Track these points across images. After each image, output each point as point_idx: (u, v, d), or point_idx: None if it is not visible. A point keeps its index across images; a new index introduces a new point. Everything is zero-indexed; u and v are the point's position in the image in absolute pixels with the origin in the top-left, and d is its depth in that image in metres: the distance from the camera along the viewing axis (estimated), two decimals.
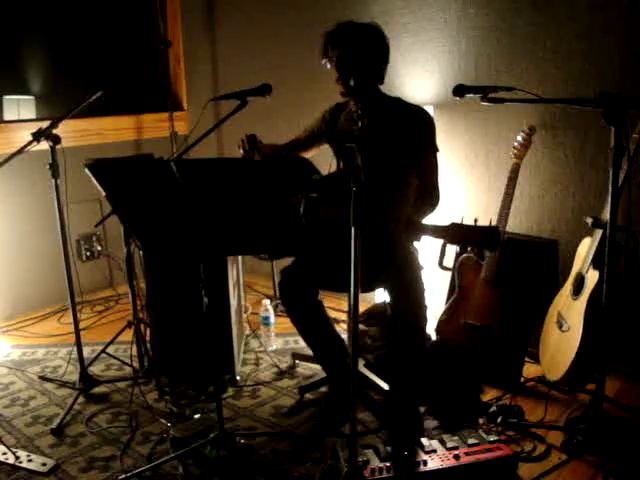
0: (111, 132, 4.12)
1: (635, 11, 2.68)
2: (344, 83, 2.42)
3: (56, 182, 2.65)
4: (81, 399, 2.78)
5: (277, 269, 3.74)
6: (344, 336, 3.26)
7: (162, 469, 2.26)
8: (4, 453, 2.36)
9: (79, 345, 2.84)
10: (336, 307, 3.75)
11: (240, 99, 2.51)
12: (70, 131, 3.47)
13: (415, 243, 2.54)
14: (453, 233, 1.79)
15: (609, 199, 2.12)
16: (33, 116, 3.98)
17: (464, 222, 1.83)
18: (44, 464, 2.30)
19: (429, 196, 2.48)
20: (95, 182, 2.00)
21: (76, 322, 2.83)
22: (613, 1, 2.74)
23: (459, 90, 2.38)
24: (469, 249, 2.76)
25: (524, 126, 2.85)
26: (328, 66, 2.43)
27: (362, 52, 2.39)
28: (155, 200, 1.99)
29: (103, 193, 2.02)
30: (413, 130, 2.47)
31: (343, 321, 3.52)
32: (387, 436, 2.42)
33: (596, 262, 2.51)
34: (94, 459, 2.35)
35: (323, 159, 2.65)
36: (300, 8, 3.81)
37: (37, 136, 2.55)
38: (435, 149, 2.51)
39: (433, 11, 3.26)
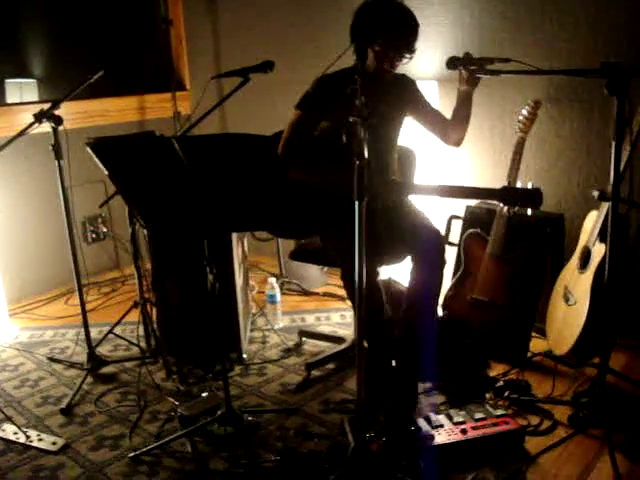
0: (114, 113, 4.10)
1: None
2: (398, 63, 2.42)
3: (59, 164, 2.64)
4: (89, 379, 2.80)
5: (283, 248, 3.76)
6: (351, 313, 3.29)
7: (170, 447, 2.28)
8: (15, 433, 2.39)
9: (86, 326, 2.85)
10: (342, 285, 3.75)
11: (242, 76, 2.51)
12: (73, 112, 3.47)
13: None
14: (504, 194, 1.86)
15: (612, 171, 2.10)
16: (36, 99, 3.97)
17: None
18: (54, 443, 2.33)
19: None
20: (97, 161, 1.99)
21: (83, 304, 2.84)
22: None
23: (452, 63, 2.36)
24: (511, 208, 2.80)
25: (529, 99, 2.82)
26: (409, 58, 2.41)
27: None
28: (157, 178, 1.98)
29: (106, 172, 2.02)
30: (405, 89, 2.62)
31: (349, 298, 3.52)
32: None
33: (602, 235, 2.49)
34: (103, 438, 2.37)
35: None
36: None
37: (39, 117, 2.54)
38: None
39: None
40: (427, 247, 2.45)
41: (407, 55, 2.37)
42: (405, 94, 2.62)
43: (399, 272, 3.15)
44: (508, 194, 1.87)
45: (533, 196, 1.82)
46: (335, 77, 2.47)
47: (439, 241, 2.50)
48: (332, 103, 2.48)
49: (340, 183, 2.14)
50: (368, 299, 2.41)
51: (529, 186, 2.02)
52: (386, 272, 3.27)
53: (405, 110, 2.63)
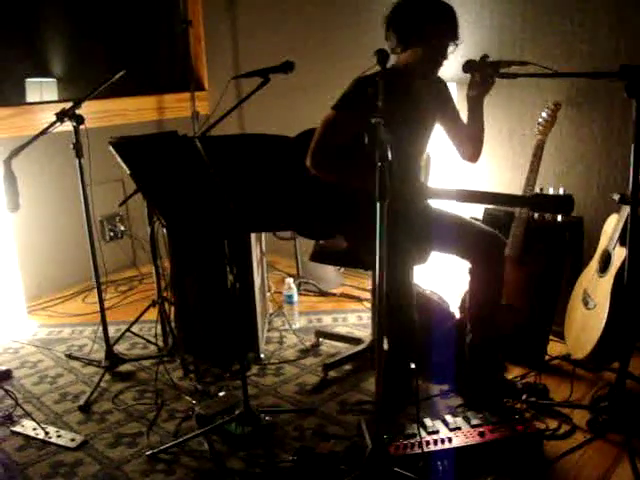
0: (133, 112, 4.13)
1: None
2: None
3: (80, 162, 2.66)
4: (107, 377, 2.81)
5: (300, 248, 3.76)
6: (368, 314, 3.28)
7: (188, 445, 2.29)
8: (34, 429, 2.41)
9: (104, 324, 2.86)
10: (358, 286, 3.76)
11: (262, 77, 2.51)
12: (93, 112, 3.47)
13: None
14: (536, 201, 1.86)
15: (631, 174, 2.08)
16: (55, 98, 4.00)
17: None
18: (73, 439, 2.35)
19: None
20: (120, 160, 2.01)
21: (101, 301, 2.85)
22: None
23: (468, 66, 2.34)
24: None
25: (549, 102, 2.80)
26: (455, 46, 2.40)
27: None
28: (179, 177, 1.99)
29: (128, 171, 2.03)
30: (440, 92, 2.61)
31: (367, 299, 3.52)
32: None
33: (623, 239, 2.47)
34: (121, 435, 2.39)
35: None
36: None
37: (61, 116, 2.56)
38: None
39: None
40: (490, 251, 2.46)
41: (456, 44, 2.36)
42: (440, 97, 2.60)
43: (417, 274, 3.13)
44: (540, 202, 1.86)
45: (565, 203, 1.80)
46: (373, 78, 2.40)
47: (502, 246, 2.52)
48: (369, 104, 2.44)
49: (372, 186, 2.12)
50: (402, 299, 2.44)
51: (561, 192, 2.02)
52: None
53: (438, 114, 2.59)
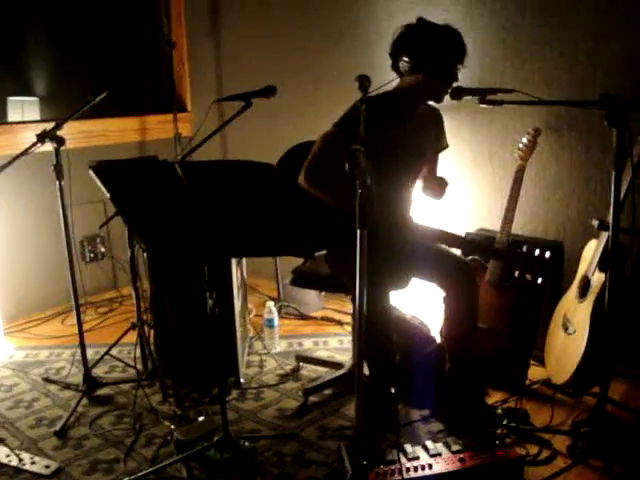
0: (115, 133, 4.12)
1: None
2: None
3: (60, 184, 2.64)
4: (85, 401, 2.77)
5: (281, 271, 3.75)
6: (349, 338, 3.27)
7: (166, 472, 2.25)
8: (7, 455, 2.36)
9: (83, 347, 2.83)
10: (340, 309, 3.75)
11: (245, 100, 2.52)
12: (74, 132, 3.48)
13: None
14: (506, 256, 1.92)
15: (612, 201, 2.11)
16: (37, 117, 3.99)
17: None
18: (47, 466, 2.29)
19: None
20: (99, 184, 1.99)
21: (80, 324, 2.82)
22: (619, 2, 2.73)
23: (457, 92, 2.37)
24: None
25: (529, 127, 2.83)
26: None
27: None
28: (159, 202, 1.98)
29: (107, 195, 2.02)
30: (437, 123, 2.68)
31: (348, 323, 3.51)
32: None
33: (602, 264, 2.49)
34: (98, 461, 2.34)
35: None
36: (305, 8, 3.80)
37: (41, 137, 2.55)
38: None
39: (438, 12, 3.25)
40: (462, 280, 2.47)
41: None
42: (437, 128, 2.63)
43: (397, 299, 3.14)
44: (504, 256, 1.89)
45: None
46: (375, 100, 2.30)
47: (473, 273, 2.54)
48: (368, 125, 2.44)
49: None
50: (380, 324, 2.43)
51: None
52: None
53: (431, 145, 2.61)
